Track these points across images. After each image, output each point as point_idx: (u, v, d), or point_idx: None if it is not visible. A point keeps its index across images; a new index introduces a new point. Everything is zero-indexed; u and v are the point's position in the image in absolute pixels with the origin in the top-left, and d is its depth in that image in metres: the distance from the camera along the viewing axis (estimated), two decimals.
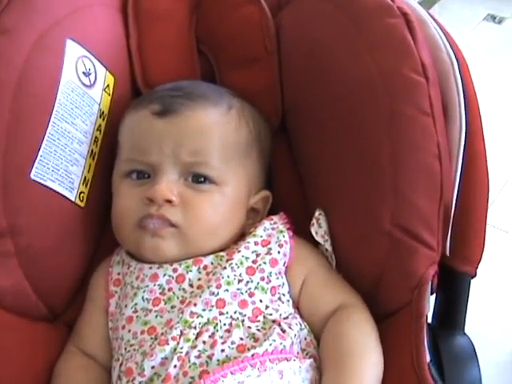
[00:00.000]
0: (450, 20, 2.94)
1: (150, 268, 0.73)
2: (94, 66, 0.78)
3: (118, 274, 0.77)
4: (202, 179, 0.74)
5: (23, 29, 0.72)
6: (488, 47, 2.79)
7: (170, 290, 0.72)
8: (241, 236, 0.77)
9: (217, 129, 0.75)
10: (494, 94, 2.44)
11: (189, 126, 0.74)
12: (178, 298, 0.71)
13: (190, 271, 0.72)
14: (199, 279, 0.72)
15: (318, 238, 0.76)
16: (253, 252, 0.73)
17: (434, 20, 0.77)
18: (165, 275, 0.72)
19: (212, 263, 0.72)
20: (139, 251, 0.74)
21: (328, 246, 0.76)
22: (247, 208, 0.79)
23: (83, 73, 0.77)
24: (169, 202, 0.72)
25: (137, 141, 0.75)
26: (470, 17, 3.03)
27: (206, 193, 0.74)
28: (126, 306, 0.72)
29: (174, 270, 0.72)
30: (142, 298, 0.72)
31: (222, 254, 0.73)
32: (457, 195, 0.71)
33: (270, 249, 0.74)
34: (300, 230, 0.78)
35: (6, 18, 0.72)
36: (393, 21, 0.72)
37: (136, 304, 0.72)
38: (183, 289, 0.71)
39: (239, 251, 0.73)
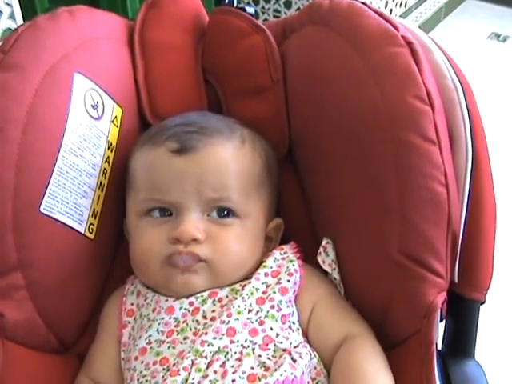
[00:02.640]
0: (454, 39, 2.95)
1: (167, 300, 0.74)
2: (101, 98, 0.79)
3: (132, 304, 0.77)
4: (225, 213, 0.75)
5: (32, 64, 0.73)
6: (492, 65, 2.80)
7: (184, 322, 0.72)
8: (258, 265, 0.77)
9: (235, 163, 0.76)
10: (499, 112, 2.44)
11: (209, 162, 0.74)
12: (191, 329, 0.71)
13: (205, 304, 0.73)
14: (213, 311, 0.72)
15: (326, 267, 0.76)
16: (263, 283, 0.74)
17: (439, 47, 0.78)
18: (181, 308, 0.73)
19: (227, 296, 0.73)
20: (168, 287, 0.74)
21: (336, 274, 0.76)
22: (264, 237, 0.80)
23: (91, 105, 0.77)
24: (195, 240, 0.72)
25: (156, 180, 0.75)
26: (475, 35, 3.04)
27: (229, 226, 0.75)
28: (140, 337, 0.73)
29: (191, 304, 0.73)
30: (157, 330, 0.72)
31: (237, 286, 0.74)
32: (464, 223, 0.71)
33: (280, 278, 0.74)
34: (309, 258, 0.78)
35: (14, 53, 0.73)
36: (397, 50, 0.73)
37: (150, 336, 0.72)
38: (197, 320, 0.72)
39: (250, 282, 0.74)
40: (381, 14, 0.77)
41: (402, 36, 0.74)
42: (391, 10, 2.77)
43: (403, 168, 0.69)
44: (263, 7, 2.48)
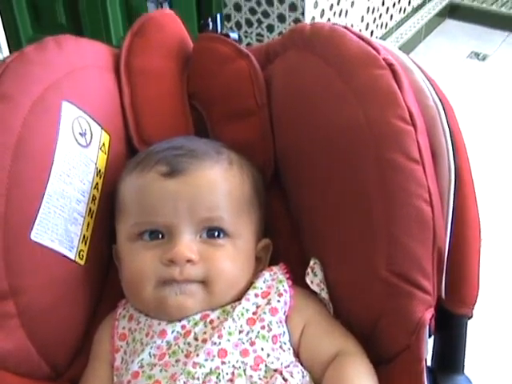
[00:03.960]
0: (435, 58, 2.99)
1: (159, 324, 0.74)
2: (89, 125, 0.80)
3: (124, 328, 0.78)
4: (217, 233, 0.76)
5: (20, 93, 0.74)
6: (473, 83, 2.84)
7: (176, 344, 0.72)
8: (249, 286, 0.78)
9: (225, 183, 0.77)
10: (481, 130, 2.47)
11: (200, 183, 0.75)
12: (182, 351, 0.72)
13: (197, 326, 0.73)
14: (204, 333, 0.73)
15: (314, 287, 0.77)
16: (253, 304, 0.75)
17: (419, 68, 0.80)
18: (173, 331, 0.73)
19: (218, 317, 0.74)
20: (161, 310, 0.74)
21: (324, 294, 0.77)
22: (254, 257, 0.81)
23: (79, 133, 0.78)
24: (190, 261, 0.73)
25: (148, 203, 0.76)
26: (455, 55, 3.09)
27: (222, 247, 0.76)
28: (132, 361, 0.73)
29: (183, 327, 0.73)
30: (149, 353, 0.72)
31: (228, 308, 0.75)
32: (449, 239, 0.72)
33: (270, 299, 0.75)
34: (298, 278, 0.79)
35: (2, 84, 0.74)
36: (379, 72, 0.74)
37: (142, 359, 0.72)
38: (188, 343, 0.72)
39: (240, 303, 0.74)
40: (362, 37, 0.79)
41: (383, 58, 0.75)
42: (372, 32, 2.81)
43: (388, 187, 0.71)
44: (246, 31, 2.51)
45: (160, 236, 0.75)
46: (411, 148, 0.71)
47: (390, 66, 0.74)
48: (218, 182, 0.77)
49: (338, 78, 0.77)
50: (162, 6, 0.96)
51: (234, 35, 0.91)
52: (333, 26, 0.82)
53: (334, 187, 0.76)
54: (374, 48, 0.77)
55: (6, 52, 1.50)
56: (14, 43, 2.14)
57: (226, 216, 0.76)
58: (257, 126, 0.86)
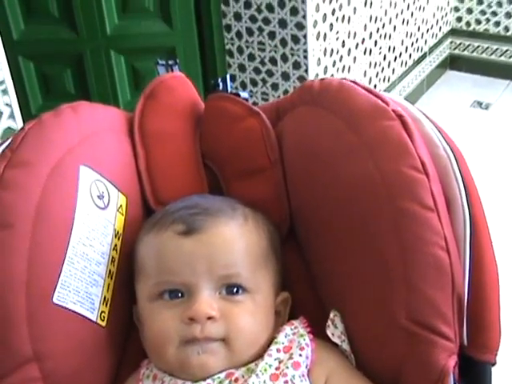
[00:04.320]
0: (438, 109, 3.03)
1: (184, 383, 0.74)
2: (106, 188, 0.82)
3: None
4: (236, 290, 0.76)
5: (39, 160, 0.76)
6: (478, 132, 2.87)
7: None
8: (270, 341, 0.78)
9: (241, 239, 0.78)
10: (487, 177, 2.48)
11: (216, 241, 0.76)
12: None
13: None
14: None
15: (335, 339, 0.77)
16: (275, 359, 0.75)
17: (428, 118, 0.81)
18: None
19: (243, 376, 0.73)
20: (185, 370, 0.74)
21: (346, 346, 0.77)
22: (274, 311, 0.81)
23: (97, 196, 0.80)
24: (210, 318, 0.73)
25: (166, 263, 0.77)
26: (458, 105, 3.13)
27: (241, 303, 0.76)
28: None
29: None
30: None
31: (252, 366, 0.74)
32: (468, 285, 0.72)
33: (292, 353, 0.75)
34: (318, 330, 0.79)
35: (22, 151, 0.76)
36: (389, 123, 0.76)
37: None
38: None
39: (263, 359, 0.74)
40: (370, 91, 0.81)
41: (393, 109, 0.77)
42: (375, 86, 2.85)
43: (404, 235, 0.71)
44: (251, 91, 2.55)
45: (180, 295, 0.76)
46: (425, 196, 0.72)
47: (400, 117, 0.76)
48: (234, 239, 0.78)
49: (348, 131, 0.78)
50: (172, 69, 0.98)
51: (244, 94, 0.93)
52: (341, 81, 0.84)
53: (349, 240, 0.77)
54: (383, 100, 0.78)
55: (19, 120, 1.53)
56: (24, 112, 2.18)
57: (244, 272, 0.77)
58: (271, 182, 0.88)
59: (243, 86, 2.56)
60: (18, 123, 1.53)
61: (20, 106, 1.82)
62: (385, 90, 2.95)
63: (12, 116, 1.52)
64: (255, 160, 0.88)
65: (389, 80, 2.98)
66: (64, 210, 0.76)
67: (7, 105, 1.50)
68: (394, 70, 3.00)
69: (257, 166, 0.88)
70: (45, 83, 2.58)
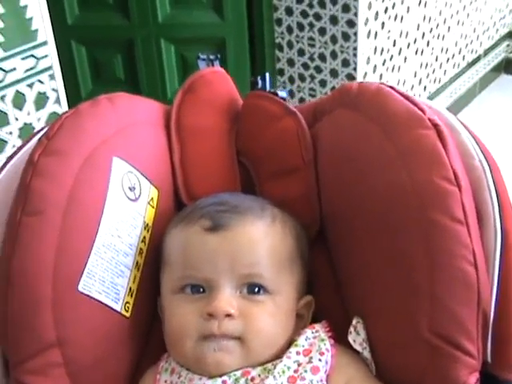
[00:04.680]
0: (489, 114, 2.97)
1: (200, 379, 0.74)
2: (138, 180, 0.82)
3: (165, 381, 0.78)
4: (257, 290, 0.76)
5: (73, 149, 0.77)
6: None
7: None
8: (289, 343, 0.78)
9: (266, 240, 0.78)
10: None
11: (241, 239, 0.77)
12: None
13: (238, 383, 0.73)
14: None
15: (357, 346, 0.77)
16: (294, 362, 0.74)
17: (466, 128, 0.80)
18: None
19: (259, 375, 0.74)
20: (200, 366, 0.75)
21: (367, 353, 0.76)
22: (295, 314, 0.80)
23: (128, 188, 0.81)
24: (229, 315, 0.74)
25: (190, 257, 0.77)
26: (510, 110, 3.06)
27: (261, 303, 0.76)
28: None
29: (224, 383, 0.73)
30: None
31: (269, 366, 0.75)
32: (495, 302, 0.71)
33: (311, 357, 0.75)
34: (341, 335, 0.79)
35: (57, 139, 0.78)
36: (424, 132, 0.75)
37: None
38: None
39: (281, 361, 0.74)
40: (407, 97, 0.80)
41: (429, 118, 0.76)
42: (425, 87, 2.82)
43: (432, 248, 0.70)
44: (299, 86, 2.54)
45: (201, 290, 0.76)
46: (455, 209, 0.70)
47: (436, 126, 0.75)
48: (260, 239, 0.78)
49: (382, 137, 0.77)
50: (212, 64, 0.98)
51: (282, 94, 0.92)
52: (379, 86, 0.83)
53: (377, 246, 0.76)
54: (420, 108, 0.77)
55: (64, 105, 1.56)
56: (73, 96, 2.21)
57: (267, 273, 0.77)
58: (303, 182, 0.87)
59: (291, 80, 2.55)
60: (64, 108, 1.56)
61: (70, 90, 1.85)
62: (434, 92, 2.91)
63: (58, 101, 1.54)
64: (289, 160, 0.88)
65: (440, 81, 2.93)
66: (94, 200, 0.77)
67: (54, 90, 1.52)
68: (445, 71, 2.95)
69: (290, 165, 0.88)
70: (95, 68, 2.62)
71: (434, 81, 2.89)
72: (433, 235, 0.71)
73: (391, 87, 0.82)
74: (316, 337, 0.77)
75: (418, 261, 0.71)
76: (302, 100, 2.55)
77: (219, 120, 0.93)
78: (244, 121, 0.92)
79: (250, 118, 0.92)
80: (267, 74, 0.95)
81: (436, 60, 2.84)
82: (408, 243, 0.72)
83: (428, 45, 2.73)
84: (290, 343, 0.78)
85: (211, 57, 0.99)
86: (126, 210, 0.80)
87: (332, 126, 0.87)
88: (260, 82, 0.95)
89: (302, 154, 0.87)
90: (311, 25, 2.38)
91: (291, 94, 2.57)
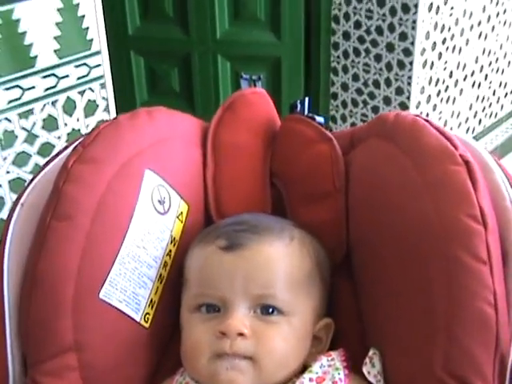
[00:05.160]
0: None
1: None
2: (169, 194, 0.83)
3: None
4: (271, 310, 0.76)
5: (107, 158, 0.79)
6: None
7: None
8: (303, 366, 0.78)
9: (282, 261, 0.78)
10: None
11: (256, 259, 0.77)
12: None
13: None
14: None
15: (371, 378, 0.76)
16: None
17: (501, 167, 0.79)
18: None
19: None
20: (213, 383, 0.75)
21: None
22: (312, 336, 0.80)
23: (158, 201, 0.82)
24: (241, 335, 0.74)
25: (206, 276, 0.78)
26: None
27: (275, 324, 0.76)
28: None
29: None
30: None
31: None
32: None
33: None
34: (358, 361, 0.78)
35: (93, 148, 0.80)
36: (454, 168, 0.74)
37: None
38: None
39: None
40: (442, 132, 0.79)
41: (460, 154, 0.75)
42: (480, 121, 2.78)
43: (453, 285, 0.70)
44: (351, 111, 2.54)
45: (217, 309, 0.77)
46: (479, 248, 0.70)
47: (467, 163, 0.74)
48: (276, 259, 0.78)
49: (413, 169, 0.77)
50: (254, 85, 0.99)
51: (319, 119, 0.93)
52: (415, 119, 0.83)
53: (398, 278, 0.76)
54: (453, 144, 0.77)
55: (113, 113, 1.59)
56: (128, 106, 2.25)
57: (281, 294, 0.76)
58: (332, 208, 0.87)
59: (344, 105, 2.55)
60: (112, 117, 1.59)
61: (126, 100, 1.89)
62: (489, 127, 2.87)
63: (107, 109, 1.58)
64: (321, 185, 0.88)
65: (496, 116, 2.89)
66: (123, 209, 0.78)
67: (104, 98, 1.56)
68: (502, 106, 2.91)
69: (321, 190, 0.88)
70: (152, 79, 2.67)
71: (490, 115, 2.85)
72: (455, 272, 0.70)
73: (427, 120, 0.82)
74: (331, 365, 0.77)
75: (438, 296, 0.71)
76: (353, 125, 2.55)
77: (256, 140, 0.93)
78: (280, 143, 0.93)
79: (286, 141, 0.92)
80: (307, 99, 0.95)
81: (493, 94, 2.81)
82: (431, 277, 0.72)
83: (486, 78, 2.70)
84: (304, 366, 0.77)
85: (254, 77, 1.00)
86: (153, 222, 0.81)
87: (365, 155, 0.87)
88: (299, 106, 0.95)
89: (333, 180, 0.87)
90: (367, 51, 2.37)
91: (343, 119, 2.57)
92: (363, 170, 0.86)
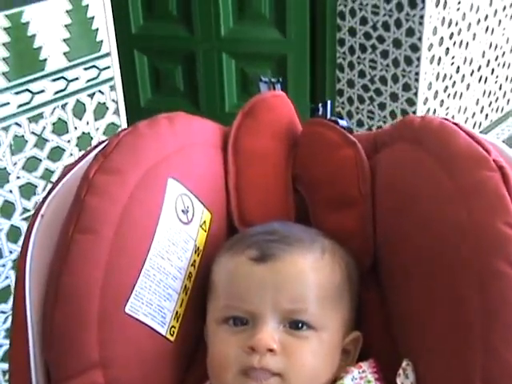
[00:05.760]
0: None
1: None
2: (192, 203, 0.82)
3: None
4: (301, 325, 0.74)
5: (129, 168, 0.77)
6: None
7: None
8: (333, 380, 0.76)
9: (314, 274, 0.76)
10: None
11: (287, 272, 0.75)
12: None
13: None
14: None
15: None
16: None
17: None
18: None
19: None
20: None
21: None
22: (341, 350, 0.78)
23: (182, 210, 0.80)
24: (271, 350, 0.72)
25: (235, 288, 0.76)
26: None
27: (305, 339, 0.74)
28: None
29: None
30: None
31: None
32: None
33: None
34: (389, 373, 0.76)
35: (114, 157, 0.77)
36: (488, 173, 0.72)
37: None
38: None
39: None
40: (472, 136, 0.77)
41: (494, 160, 0.73)
42: (487, 115, 2.77)
43: (488, 294, 0.68)
44: (357, 107, 2.52)
45: (245, 321, 0.75)
46: None
47: (501, 168, 0.72)
48: (307, 272, 0.76)
49: (444, 175, 0.75)
50: (274, 88, 0.97)
51: (342, 122, 0.91)
52: (443, 122, 0.81)
53: (431, 288, 0.74)
54: (485, 148, 0.75)
55: (123, 116, 1.57)
56: (132, 104, 2.24)
57: (312, 308, 0.74)
58: (359, 215, 0.85)
59: (350, 101, 2.53)
60: (122, 120, 1.57)
61: (129, 98, 1.87)
62: (496, 121, 2.85)
63: (117, 112, 1.56)
64: (346, 191, 0.86)
65: (502, 110, 2.87)
66: (147, 221, 0.77)
67: (113, 101, 1.54)
68: (508, 100, 2.90)
69: (346, 196, 0.86)
70: (156, 78, 2.65)
71: (497, 110, 2.84)
72: (489, 281, 0.68)
73: (455, 123, 0.80)
74: (362, 377, 0.75)
75: (472, 307, 0.69)
76: (359, 122, 2.53)
77: (278, 145, 0.91)
78: (302, 148, 0.91)
79: (308, 146, 0.90)
80: (329, 102, 0.94)
81: (500, 88, 2.79)
82: (462, 286, 0.70)
83: (492, 73, 2.68)
84: (334, 380, 0.76)
85: (273, 80, 0.98)
86: (177, 232, 0.79)
87: (392, 160, 0.85)
88: (321, 109, 0.94)
89: (359, 186, 0.85)
90: (374, 47, 2.35)
91: (349, 115, 2.55)
92: (390, 176, 0.84)
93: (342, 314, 0.78)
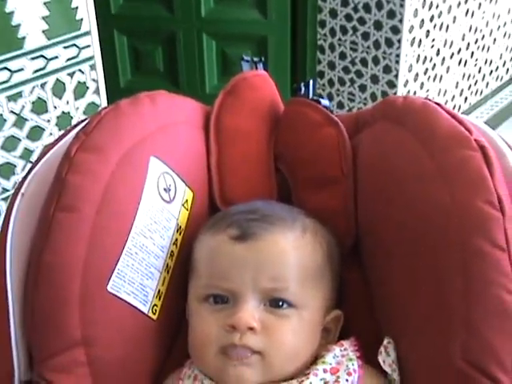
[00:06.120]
0: None
1: None
2: (174, 182, 0.81)
3: None
4: (281, 303, 0.74)
5: (111, 146, 0.76)
6: None
7: None
8: (314, 358, 0.77)
9: (295, 253, 0.76)
10: None
11: (268, 251, 0.75)
12: None
13: None
14: None
15: (386, 367, 0.75)
16: (321, 379, 0.73)
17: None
18: None
19: None
20: (221, 378, 0.73)
21: (396, 375, 0.74)
22: (321, 328, 0.79)
23: (164, 189, 0.80)
24: (251, 329, 0.72)
25: (216, 266, 0.76)
26: None
27: (285, 317, 0.74)
28: None
29: None
30: None
31: (294, 382, 0.73)
32: None
33: (339, 377, 0.73)
34: (370, 352, 0.77)
35: (95, 135, 0.77)
36: (470, 153, 0.73)
37: None
38: None
39: (308, 378, 0.73)
40: (454, 116, 0.77)
41: (475, 139, 0.73)
42: (466, 98, 2.78)
43: (469, 273, 0.68)
44: (338, 89, 2.52)
45: (225, 300, 0.75)
46: (497, 235, 0.68)
47: (482, 148, 0.73)
48: (288, 251, 0.76)
49: (426, 155, 0.75)
50: (256, 67, 0.97)
51: (325, 102, 0.90)
52: (425, 102, 0.81)
53: (413, 267, 0.74)
54: (466, 128, 0.75)
55: (103, 96, 1.56)
56: (112, 85, 2.21)
57: (292, 287, 0.75)
58: (340, 194, 0.85)
59: (331, 83, 2.53)
60: (102, 99, 1.56)
61: (109, 79, 1.85)
62: (475, 104, 2.86)
63: (97, 92, 1.54)
64: (327, 170, 0.86)
65: (481, 93, 2.89)
66: (129, 199, 0.76)
67: (94, 80, 1.52)
68: (487, 83, 2.91)
69: (328, 176, 0.86)
70: (136, 59, 2.63)
71: (476, 93, 2.85)
72: (471, 260, 0.68)
73: (437, 104, 0.80)
74: (344, 355, 0.75)
75: (454, 285, 0.69)
76: (340, 104, 2.53)
77: (259, 124, 0.91)
78: (284, 127, 0.91)
79: (290, 125, 0.90)
80: (311, 81, 0.93)
81: (479, 72, 2.80)
82: (445, 265, 0.70)
83: (472, 56, 2.69)
84: (314, 358, 0.76)
85: (255, 59, 0.97)
86: (160, 211, 0.79)
87: (374, 139, 0.85)
88: (303, 89, 0.93)
89: (341, 165, 0.85)
90: (355, 29, 2.35)
91: (330, 97, 2.55)
92: (372, 155, 0.84)
93: (322, 292, 0.78)
